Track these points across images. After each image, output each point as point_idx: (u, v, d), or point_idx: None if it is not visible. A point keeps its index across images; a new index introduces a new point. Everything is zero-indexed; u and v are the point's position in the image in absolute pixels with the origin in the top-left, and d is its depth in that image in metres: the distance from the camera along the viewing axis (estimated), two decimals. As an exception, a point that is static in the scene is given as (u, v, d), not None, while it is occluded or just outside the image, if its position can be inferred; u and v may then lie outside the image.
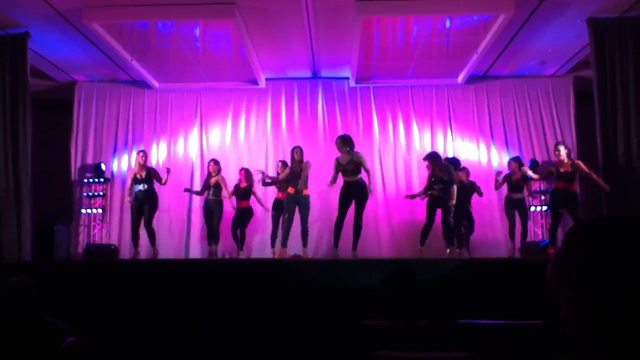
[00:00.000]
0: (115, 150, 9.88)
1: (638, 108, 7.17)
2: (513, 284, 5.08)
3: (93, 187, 9.56)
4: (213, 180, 8.38)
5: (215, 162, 8.52)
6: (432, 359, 3.56)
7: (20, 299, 2.97)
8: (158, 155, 9.90)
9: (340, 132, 9.75)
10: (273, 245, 8.37)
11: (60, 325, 3.08)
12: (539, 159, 9.40)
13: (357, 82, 9.74)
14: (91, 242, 9.31)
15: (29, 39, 7.66)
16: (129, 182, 8.36)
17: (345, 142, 7.33)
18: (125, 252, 9.09)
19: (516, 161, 8.52)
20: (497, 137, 9.72)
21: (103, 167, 9.54)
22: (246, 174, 8.62)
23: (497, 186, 8.45)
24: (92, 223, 9.55)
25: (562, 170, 7.44)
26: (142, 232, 8.14)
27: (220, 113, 10.01)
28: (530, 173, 8.15)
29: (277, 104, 9.97)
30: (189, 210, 9.50)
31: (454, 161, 8.36)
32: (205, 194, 8.51)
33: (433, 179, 7.65)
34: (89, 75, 9.72)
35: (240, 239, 8.63)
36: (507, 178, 8.43)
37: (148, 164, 8.38)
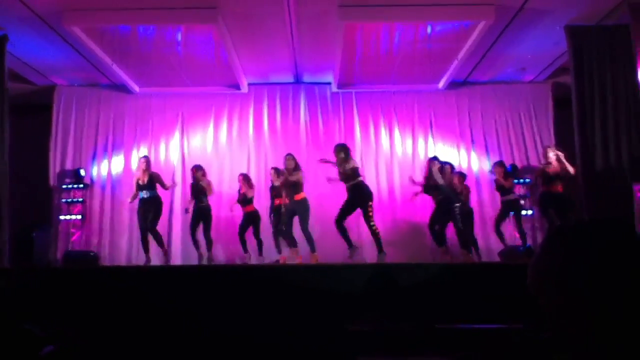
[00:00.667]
0: (95, 156, 9.76)
1: (615, 114, 7.30)
2: (496, 289, 5.13)
3: (72, 193, 9.44)
4: (199, 185, 8.33)
5: (198, 167, 8.47)
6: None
7: None
8: (139, 160, 9.79)
9: (322, 137, 9.83)
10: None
11: (39, 333, 3.03)
12: (518, 163, 9.53)
13: (339, 87, 9.77)
14: (70, 248, 9.18)
15: (7, 42, 7.55)
16: (134, 187, 8.29)
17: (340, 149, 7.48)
18: (105, 259, 8.98)
19: (501, 166, 8.62)
20: (477, 142, 9.81)
21: (82, 172, 9.42)
22: (244, 179, 8.61)
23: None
24: (71, 229, 9.42)
25: (550, 172, 7.76)
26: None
27: (202, 118, 9.96)
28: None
29: (260, 109, 9.96)
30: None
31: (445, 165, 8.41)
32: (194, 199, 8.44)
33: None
34: (69, 79, 9.60)
35: (257, 244, 8.58)
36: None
37: (152, 169, 8.29)
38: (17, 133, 7.91)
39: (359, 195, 7.26)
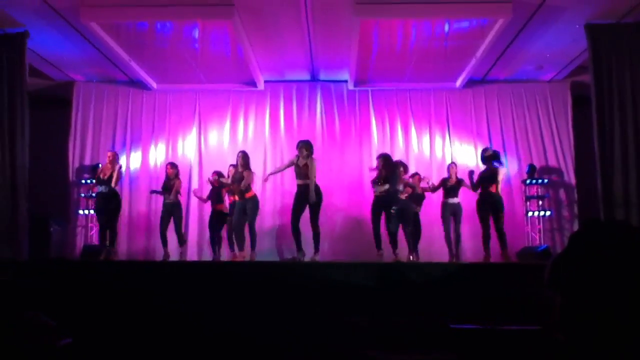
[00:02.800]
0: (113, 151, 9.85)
1: (635, 112, 7.20)
2: (510, 289, 5.09)
3: (90, 188, 9.54)
4: (171, 183, 8.35)
5: (173, 165, 8.53)
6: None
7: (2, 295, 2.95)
8: (156, 156, 9.89)
9: (338, 135, 9.82)
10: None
11: (56, 325, 3.07)
12: (536, 163, 9.42)
13: (355, 85, 9.75)
14: (88, 243, 9.28)
15: (27, 38, 7.66)
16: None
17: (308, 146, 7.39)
18: (122, 254, 9.07)
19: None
20: (495, 141, 9.71)
21: (101, 167, 9.50)
22: (216, 175, 8.52)
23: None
24: (89, 224, 9.52)
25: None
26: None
27: (219, 114, 10.00)
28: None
29: (276, 106, 9.97)
30: (187, 212, 9.47)
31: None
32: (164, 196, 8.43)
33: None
34: (87, 75, 9.70)
35: (217, 243, 8.56)
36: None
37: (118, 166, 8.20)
38: (36, 127, 8.01)
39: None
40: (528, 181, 9.33)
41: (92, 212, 9.39)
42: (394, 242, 7.39)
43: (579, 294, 0.88)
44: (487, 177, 7.65)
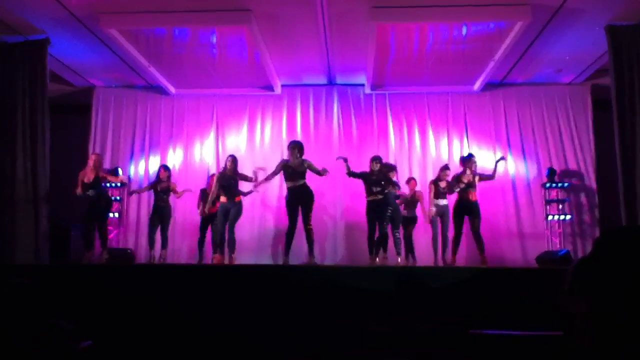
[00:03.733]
0: (132, 155, 9.97)
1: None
2: (530, 294, 5.02)
3: (110, 192, 9.62)
4: (164, 185, 8.51)
5: (166, 167, 8.74)
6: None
7: (19, 299, 2.97)
8: (175, 161, 9.97)
9: (355, 139, 9.81)
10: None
11: (75, 329, 3.09)
12: (556, 167, 9.31)
13: (372, 88, 9.73)
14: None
15: (48, 45, 7.78)
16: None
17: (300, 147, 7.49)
18: (142, 257, 9.14)
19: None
20: (513, 145, 9.64)
21: (120, 171, 9.59)
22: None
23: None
24: (109, 227, 9.60)
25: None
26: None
27: (236, 119, 10.05)
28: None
29: (293, 110, 9.99)
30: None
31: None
32: (154, 198, 8.60)
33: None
34: (107, 81, 9.82)
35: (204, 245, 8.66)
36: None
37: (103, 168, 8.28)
38: (56, 133, 8.12)
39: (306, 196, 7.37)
40: (548, 185, 9.22)
41: (113, 215, 9.51)
42: (384, 245, 7.57)
43: (607, 302, 0.86)
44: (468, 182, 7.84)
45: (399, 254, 7.99)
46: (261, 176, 7.74)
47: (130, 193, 9.31)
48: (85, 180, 7.86)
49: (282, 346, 4.21)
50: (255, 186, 7.92)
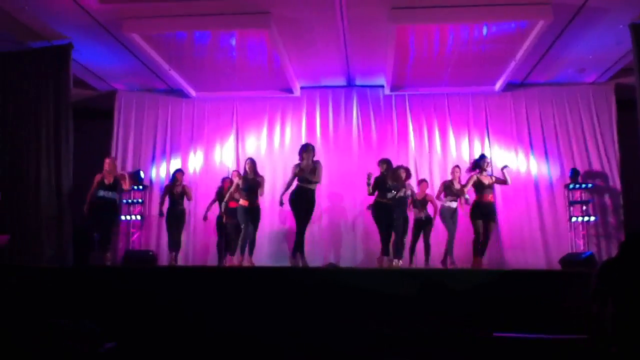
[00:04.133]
0: (153, 158, 10.07)
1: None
2: (554, 297, 4.95)
3: (132, 194, 9.73)
4: (179, 189, 8.62)
5: (182, 172, 8.87)
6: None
7: (18, 298, 3.01)
8: (195, 163, 10.04)
9: (375, 141, 9.78)
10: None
11: (97, 330, 3.13)
12: (579, 167, 9.17)
13: (392, 90, 9.70)
14: (130, 248, 9.47)
15: (72, 50, 7.91)
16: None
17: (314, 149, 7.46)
18: (163, 259, 9.22)
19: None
20: (536, 145, 9.53)
21: (142, 174, 9.70)
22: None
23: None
24: (131, 229, 9.71)
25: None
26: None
27: (256, 121, 10.09)
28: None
29: (312, 112, 10.00)
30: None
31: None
32: (168, 202, 8.65)
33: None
34: (129, 85, 9.94)
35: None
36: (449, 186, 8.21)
37: (118, 171, 8.33)
38: (80, 136, 8.23)
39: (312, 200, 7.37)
40: (571, 186, 9.09)
41: (133, 217, 9.61)
42: (398, 251, 7.55)
43: (633, 304, 0.84)
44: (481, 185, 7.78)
45: (399, 257, 7.74)
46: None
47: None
48: (106, 182, 7.95)
49: (282, 346, 4.22)
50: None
